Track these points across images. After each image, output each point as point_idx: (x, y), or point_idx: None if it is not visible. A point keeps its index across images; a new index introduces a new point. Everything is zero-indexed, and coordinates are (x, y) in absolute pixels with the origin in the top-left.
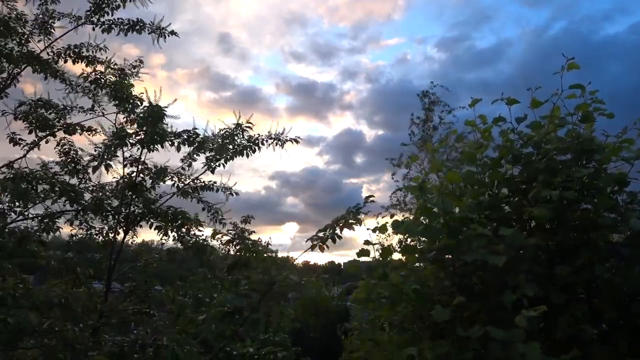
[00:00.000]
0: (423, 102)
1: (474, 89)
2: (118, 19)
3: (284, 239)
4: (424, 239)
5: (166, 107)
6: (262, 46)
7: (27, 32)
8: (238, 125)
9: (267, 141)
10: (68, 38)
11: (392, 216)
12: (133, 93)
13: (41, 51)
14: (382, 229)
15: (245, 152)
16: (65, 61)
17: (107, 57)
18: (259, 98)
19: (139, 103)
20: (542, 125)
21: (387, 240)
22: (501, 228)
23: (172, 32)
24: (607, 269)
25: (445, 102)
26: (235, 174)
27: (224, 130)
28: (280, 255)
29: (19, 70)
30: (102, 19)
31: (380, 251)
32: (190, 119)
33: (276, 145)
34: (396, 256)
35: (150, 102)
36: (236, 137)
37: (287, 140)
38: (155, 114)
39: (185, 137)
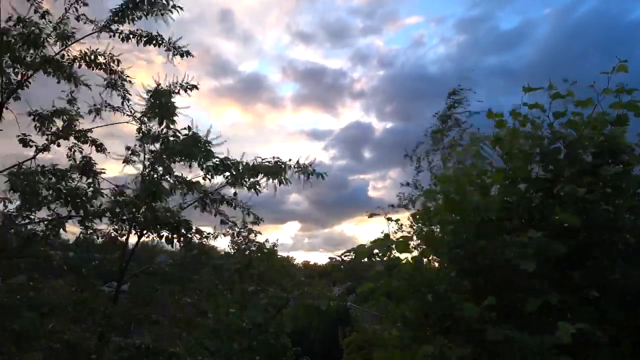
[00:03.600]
0: (448, 100)
1: (495, 74)
2: (137, 29)
3: (285, 238)
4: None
5: (211, 141)
6: (267, 25)
7: (44, 36)
8: (279, 161)
9: (292, 169)
10: (84, 42)
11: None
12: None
13: (55, 54)
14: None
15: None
16: (80, 66)
17: (121, 69)
18: (263, 86)
19: (176, 120)
20: (576, 123)
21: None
22: (530, 230)
23: (188, 53)
24: (621, 270)
25: (468, 100)
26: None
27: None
28: (280, 254)
29: (32, 73)
30: (121, 27)
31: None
32: (194, 114)
33: (303, 175)
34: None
35: (189, 127)
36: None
37: (312, 174)
38: (201, 147)
39: (217, 162)
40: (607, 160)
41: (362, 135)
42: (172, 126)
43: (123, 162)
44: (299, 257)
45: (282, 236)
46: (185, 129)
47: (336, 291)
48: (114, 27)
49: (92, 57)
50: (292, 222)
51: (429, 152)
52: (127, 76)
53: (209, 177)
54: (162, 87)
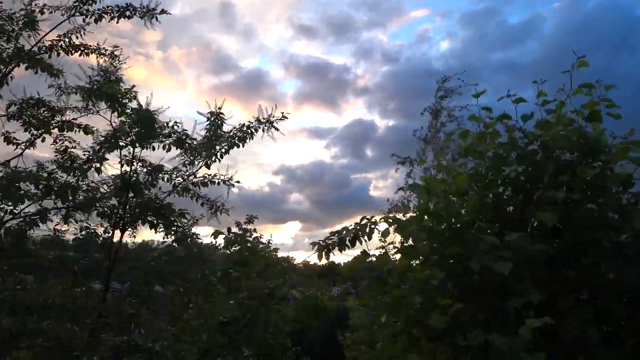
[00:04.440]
0: (437, 92)
1: (500, 70)
2: (107, 6)
3: (285, 238)
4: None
5: (156, 111)
6: (269, 19)
7: (17, 29)
8: (212, 114)
9: (258, 127)
10: (59, 30)
11: (386, 219)
12: (122, 91)
13: (32, 47)
14: (384, 233)
15: (239, 142)
16: (58, 54)
17: (97, 43)
18: (264, 83)
19: (128, 102)
20: (550, 123)
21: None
22: (507, 233)
23: (163, 11)
24: (613, 268)
25: (460, 92)
26: (239, 169)
27: (205, 123)
28: (280, 254)
29: (10, 69)
30: (91, 8)
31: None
32: (189, 110)
33: (268, 129)
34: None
35: (139, 105)
36: (219, 130)
37: (275, 120)
38: (146, 119)
39: (174, 138)
40: (586, 160)
41: (365, 133)
42: (127, 111)
43: (89, 162)
44: (299, 257)
45: (282, 236)
46: (135, 109)
47: (335, 291)
48: (83, 9)
49: (67, 40)
50: (292, 222)
51: (420, 155)
52: (106, 49)
53: (181, 157)
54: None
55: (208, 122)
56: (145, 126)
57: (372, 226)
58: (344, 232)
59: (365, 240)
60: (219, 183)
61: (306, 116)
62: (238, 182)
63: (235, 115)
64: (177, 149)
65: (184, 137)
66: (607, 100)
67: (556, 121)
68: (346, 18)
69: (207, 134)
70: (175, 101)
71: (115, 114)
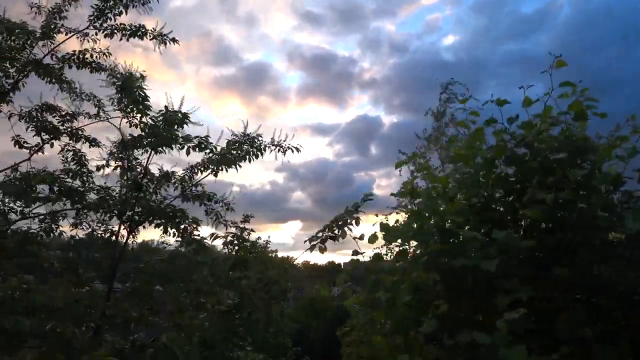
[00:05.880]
0: (441, 96)
1: (507, 63)
2: (120, 24)
3: (285, 237)
4: (416, 243)
5: (188, 113)
6: (271, 8)
7: (32, 38)
8: (246, 135)
9: (269, 147)
10: (72, 42)
11: (384, 221)
12: (145, 94)
13: (44, 56)
14: (371, 239)
15: (248, 157)
16: (70, 67)
17: (110, 64)
18: (267, 77)
19: (150, 105)
20: (533, 124)
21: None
22: (494, 231)
23: (174, 40)
24: (609, 269)
25: (465, 96)
26: (241, 167)
27: (232, 139)
28: (280, 254)
29: (23, 75)
30: (104, 24)
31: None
32: (187, 106)
33: (278, 151)
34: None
35: (166, 107)
36: (244, 145)
37: (288, 148)
38: (175, 119)
39: (196, 142)
40: (575, 160)
41: (370, 130)
42: (148, 113)
43: (100, 169)
44: (300, 257)
45: (282, 236)
46: (161, 111)
47: (335, 291)
48: (97, 24)
49: (81, 56)
50: (293, 222)
51: (424, 153)
52: (118, 72)
53: (194, 170)
54: (129, 73)
55: (236, 138)
56: (177, 125)
57: (357, 210)
58: (332, 223)
59: (351, 230)
60: (217, 202)
61: (309, 112)
62: (233, 210)
63: (236, 111)
64: (198, 152)
65: (205, 143)
66: (591, 99)
67: (541, 121)
68: (353, 5)
69: (228, 147)
70: (174, 96)
71: (125, 120)
